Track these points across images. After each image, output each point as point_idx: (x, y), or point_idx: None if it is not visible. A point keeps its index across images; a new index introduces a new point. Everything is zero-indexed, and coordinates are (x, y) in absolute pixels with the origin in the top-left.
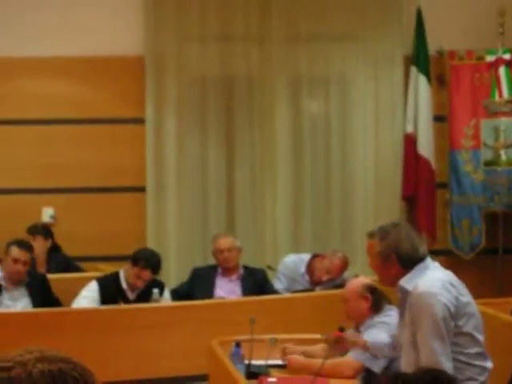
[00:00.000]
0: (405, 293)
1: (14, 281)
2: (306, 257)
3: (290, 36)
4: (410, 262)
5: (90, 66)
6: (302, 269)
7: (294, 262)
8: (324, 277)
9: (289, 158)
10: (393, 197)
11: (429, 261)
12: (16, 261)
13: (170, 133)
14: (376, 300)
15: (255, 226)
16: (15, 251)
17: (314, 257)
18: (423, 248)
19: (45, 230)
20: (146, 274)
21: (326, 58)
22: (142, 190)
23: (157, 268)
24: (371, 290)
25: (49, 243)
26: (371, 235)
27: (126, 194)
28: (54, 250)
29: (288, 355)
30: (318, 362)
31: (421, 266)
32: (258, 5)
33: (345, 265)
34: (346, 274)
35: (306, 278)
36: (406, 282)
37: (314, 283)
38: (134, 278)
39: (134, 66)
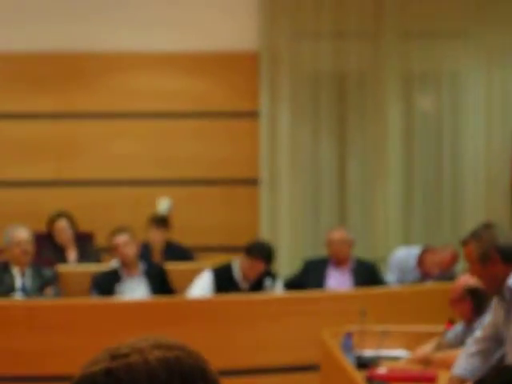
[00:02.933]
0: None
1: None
2: (416, 250)
3: (402, 33)
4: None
5: (206, 61)
6: (413, 262)
7: (405, 255)
8: (434, 270)
9: (400, 153)
10: (504, 192)
11: None
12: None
13: (283, 127)
14: (478, 302)
15: (367, 218)
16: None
17: (425, 250)
18: None
19: (164, 221)
20: (259, 266)
21: (439, 54)
22: (255, 182)
23: (270, 260)
24: (472, 292)
25: (167, 234)
26: (465, 242)
27: (240, 186)
28: (170, 241)
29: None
30: (427, 353)
31: None
32: (372, 2)
33: (455, 259)
34: (457, 267)
35: (417, 271)
36: None
37: (424, 276)
38: (247, 268)
39: (248, 61)
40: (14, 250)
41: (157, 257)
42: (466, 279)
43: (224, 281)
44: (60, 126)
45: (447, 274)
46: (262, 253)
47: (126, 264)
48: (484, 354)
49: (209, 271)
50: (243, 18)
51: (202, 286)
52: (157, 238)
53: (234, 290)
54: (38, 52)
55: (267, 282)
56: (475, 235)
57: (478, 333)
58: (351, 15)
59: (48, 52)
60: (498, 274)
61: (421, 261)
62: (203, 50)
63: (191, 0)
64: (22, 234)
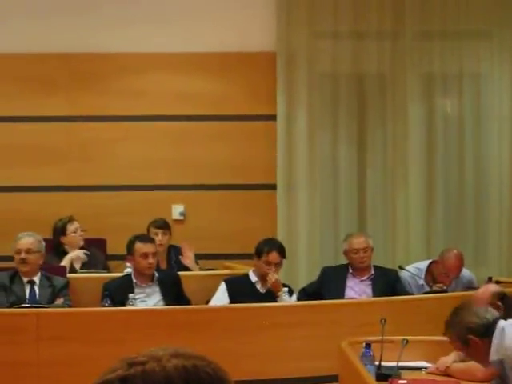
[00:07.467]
0: (500, 365)
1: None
2: (424, 264)
3: (423, 33)
4: (486, 331)
5: (222, 62)
6: (421, 281)
7: (412, 276)
8: (446, 281)
9: (421, 157)
10: None
11: (502, 323)
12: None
13: (301, 130)
14: (507, 307)
15: (386, 225)
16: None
17: (431, 263)
18: (491, 314)
19: (167, 225)
20: (274, 257)
21: (460, 55)
22: (272, 187)
23: (282, 249)
24: (501, 297)
25: (170, 239)
26: (445, 333)
27: (257, 191)
28: (171, 245)
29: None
30: (449, 364)
31: (496, 331)
32: (392, 1)
33: (460, 261)
34: (468, 273)
35: (426, 287)
36: (495, 355)
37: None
38: (265, 266)
39: (265, 62)
40: (15, 258)
41: (162, 262)
42: (488, 287)
43: (240, 286)
44: (71, 129)
45: (461, 281)
46: (271, 245)
47: (140, 273)
48: None
49: (223, 283)
50: (261, 18)
51: (218, 298)
52: (162, 242)
53: (252, 294)
54: (48, 53)
55: (284, 289)
56: (449, 324)
57: None
58: (370, 14)
59: (58, 53)
60: (483, 350)
61: (431, 274)
62: (219, 51)
63: (208, 0)
64: (23, 242)
